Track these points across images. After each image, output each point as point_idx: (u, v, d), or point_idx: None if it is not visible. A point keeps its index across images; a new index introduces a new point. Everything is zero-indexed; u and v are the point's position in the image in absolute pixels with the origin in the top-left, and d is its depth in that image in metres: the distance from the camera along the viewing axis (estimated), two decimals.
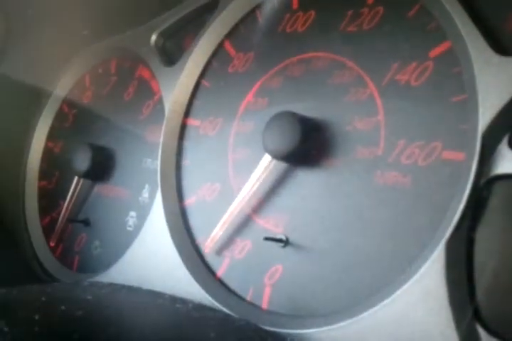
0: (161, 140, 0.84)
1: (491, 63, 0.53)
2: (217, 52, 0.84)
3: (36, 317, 0.51)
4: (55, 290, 0.68)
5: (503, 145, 0.52)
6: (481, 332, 0.51)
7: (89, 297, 0.63)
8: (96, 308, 0.60)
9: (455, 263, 0.53)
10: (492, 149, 0.53)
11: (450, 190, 0.56)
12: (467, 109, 0.56)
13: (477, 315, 0.52)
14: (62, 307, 0.56)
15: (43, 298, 0.60)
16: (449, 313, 0.51)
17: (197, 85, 0.85)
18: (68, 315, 0.55)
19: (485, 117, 0.53)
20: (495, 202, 0.53)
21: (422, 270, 0.54)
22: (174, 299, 0.68)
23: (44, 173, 1.09)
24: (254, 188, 0.71)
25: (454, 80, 0.58)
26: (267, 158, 0.69)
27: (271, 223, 0.71)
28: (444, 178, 0.57)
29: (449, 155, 0.57)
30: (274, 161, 0.69)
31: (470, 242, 0.54)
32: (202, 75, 0.85)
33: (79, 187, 0.97)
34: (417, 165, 0.59)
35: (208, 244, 0.74)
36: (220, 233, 0.73)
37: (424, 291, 0.53)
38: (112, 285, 0.75)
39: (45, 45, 1.02)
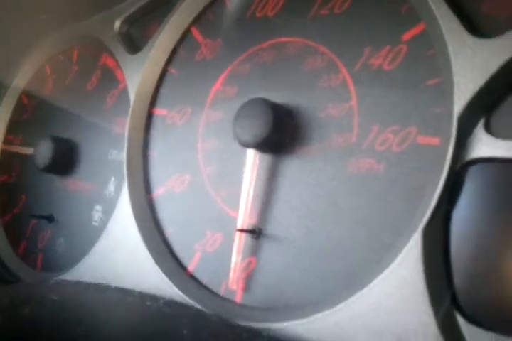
0: (127, 131, 0.81)
1: (466, 45, 0.52)
2: (184, 38, 0.82)
3: None
4: (18, 291, 0.65)
5: (479, 129, 0.51)
6: (460, 319, 0.50)
7: (55, 297, 0.60)
8: (63, 309, 0.57)
9: (432, 250, 0.52)
10: (468, 133, 0.52)
11: (426, 175, 0.54)
12: (442, 93, 0.55)
13: (455, 303, 0.51)
14: (27, 310, 0.53)
15: (6, 301, 0.56)
16: (426, 301, 0.50)
17: (163, 73, 0.82)
18: (33, 317, 0.52)
19: (460, 100, 0.51)
20: (471, 186, 0.52)
21: (399, 258, 0.53)
22: (144, 296, 0.66)
23: (4, 168, 1.04)
24: (250, 194, 0.66)
25: (428, 63, 0.56)
26: (250, 153, 0.67)
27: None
28: (419, 164, 0.55)
29: (423, 140, 0.56)
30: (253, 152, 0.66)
31: (447, 228, 0.53)
32: (168, 63, 0.82)
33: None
34: (392, 151, 0.58)
35: (232, 278, 0.67)
36: (239, 259, 0.67)
37: (401, 279, 0.52)
38: (78, 283, 0.72)
39: (3, 34, 0.98)
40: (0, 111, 1.06)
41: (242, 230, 0.67)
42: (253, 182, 0.67)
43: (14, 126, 1.05)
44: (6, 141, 1.05)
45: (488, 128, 0.51)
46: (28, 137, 1.01)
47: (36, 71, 1.04)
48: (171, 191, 0.77)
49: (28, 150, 0.97)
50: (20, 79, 1.05)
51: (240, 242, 0.67)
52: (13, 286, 0.71)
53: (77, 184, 0.90)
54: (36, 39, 1.03)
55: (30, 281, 0.92)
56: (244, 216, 0.67)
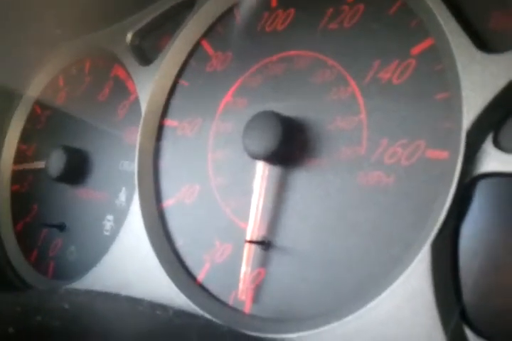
0: (138, 141, 0.82)
1: (475, 60, 0.52)
2: (195, 51, 0.83)
3: (11, 329, 0.49)
4: (30, 299, 0.66)
5: (488, 144, 0.52)
6: (468, 332, 0.51)
7: (66, 306, 0.61)
8: (74, 318, 0.58)
9: (441, 263, 0.52)
10: (476, 147, 0.52)
11: (434, 189, 0.55)
12: (451, 107, 0.55)
13: (464, 316, 0.51)
14: (39, 318, 0.54)
15: (18, 309, 0.57)
16: (435, 314, 0.51)
17: (174, 85, 0.83)
18: (45, 325, 0.53)
19: (469, 115, 0.52)
20: (480, 200, 0.52)
21: (408, 271, 0.53)
22: (154, 306, 0.66)
23: (16, 177, 1.05)
24: (260, 205, 0.67)
25: (437, 78, 0.57)
26: (260, 165, 0.67)
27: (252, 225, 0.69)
28: (428, 177, 0.56)
29: (432, 154, 0.56)
30: (263, 164, 0.67)
31: (455, 242, 0.53)
32: (179, 75, 0.83)
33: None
34: (401, 165, 0.58)
35: (242, 288, 0.67)
36: (249, 270, 0.67)
37: (410, 292, 0.52)
38: (89, 292, 0.73)
39: (17, 45, 0.99)
40: (13, 120, 1.07)
41: (251, 241, 0.67)
42: (262, 194, 0.67)
43: (27, 136, 1.06)
44: (18, 151, 1.06)
45: (496, 143, 0.52)
46: (41, 147, 1.02)
47: (49, 81, 1.05)
48: (181, 202, 0.78)
49: (40, 164, 0.98)
50: (34, 90, 1.06)
51: (249, 253, 0.67)
52: (25, 294, 0.72)
53: (88, 193, 0.91)
54: (49, 50, 1.04)
55: (41, 289, 0.93)
56: (253, 227, 0.67)
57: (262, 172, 0.67)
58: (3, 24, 0.94)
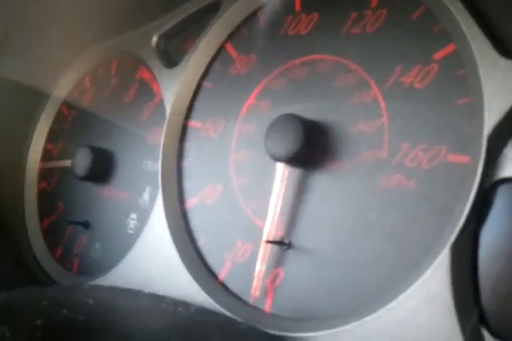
0: (162, 142, 0.83)
1: (497, 66, 0.53)
2: (219, 54, 0.84)
3: (39, 322, 0.51)
4: (56, 293, 0.67)
5: (509, 149, 0.52)
6: (487, 335, 0.51)
7: (91, 301, 0.62)
8: (98, 313, 0.59)
9: (460, 266, 0.53)
10: (497, 152, 0.52)
11: (455, 193, 0.55)
12: (472, 112, 0.56)
13: (482, 319, 0.52)
14: (64, 312, 0.56)
15: (45, 303, 0.59)
16: (454, 317, 0.51)
17: (198, 87, 0.85)
18: (71, 319, 0.54)
19: (490, 120, 0.52)
20: (500, 205, 0.53)
21: (427, 273, 0.53)
22: (176, 303, 0.68)
23: (43, 176, 1.08)
24: (278, 206, 0.69)
25: (459, 83, 0.57)
26: (280, 166, 0.68)
27: (273, 226, 0.70)
28: (449, 181, 0.56)
29: (453, 158, 0.57)
30: (287, 168, 0.68)
31: (475, 246, 0.53)
32: (203, 77, 0.84)
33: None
34: (422, 168, 0.59)
35: (256, 285, 0.69)
36: (263, 268, 0.69)
37: (429, 295, 0.53)
38: (112, 288, 0.74)
39: (45, 47, 1.02)
40: (41, 120, 1.09)
41: (269, 241, 0.68)
42: (281, 195, 0.68)
43: (54, 136, 1.09)
44: (45, 150, 1.09)
45: None
46: (67, 146, 1.05)
47: (76, 82, 1.07)
48: (203, 201, 0.79)
49: (66, 163, 1.00)
50: (61, 90, 1.08)
51: (265, 252, 0.68)
52: (51, 288, 0.74)
53: (113, 192, 0.93)
54: (77, 52, 1.06)
55: (66, 284, 0.95)
56: (270, 227, 0.68)
57: (282, 173, 0.69)
58: (34, 26, 0.97)
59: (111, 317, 0.60)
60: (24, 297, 0.62)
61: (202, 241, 0.78)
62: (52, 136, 1.09)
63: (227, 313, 0.68)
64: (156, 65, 0.89)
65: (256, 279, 0.69)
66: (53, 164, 1.05)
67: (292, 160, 0.68)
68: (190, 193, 0.82)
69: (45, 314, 0.55)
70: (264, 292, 0.69)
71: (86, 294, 0.68)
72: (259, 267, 0.68)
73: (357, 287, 0.61)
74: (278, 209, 0.69)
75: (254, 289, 0.69)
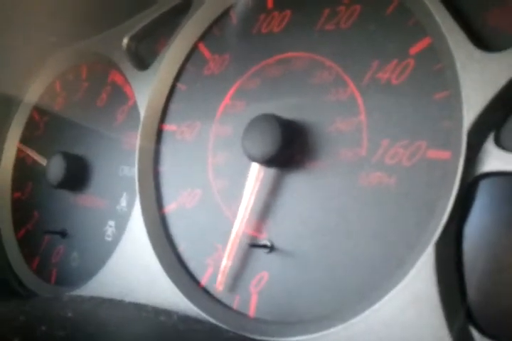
0: (137, 146, 0.82)
1: (474, 59, 0.52)
2: (192, 54, 0.82)
3: (16, 340, 0.49)
4: (33, 308, 0.65)
5: (489, 143, 0.51)
6: (475, 333, 0.50)
7: (70, 314, 0.61)
8: (78, 327, 0.58)
9: (445, 264, 0.52)
10: (478, 147, 0.52)
11: (437, 189, 0.55)
12: (451, 107, 0.55)
13: (470, 316, 0.51)
14: (43, 328, 0.54)
15: (22, 318, 0.57)
16: (441, 315, 0.50)
17: (172, 89, 0.83)
18: (50, 336, 0.52)
19: (469, 114, 0.52)
20: (482, 200, 0.52)
21: (412, 272, 0.53)
22: (158, 312, 0.66)
23: (17, 184, 1.05)
24: (250, 204, 0.68)
25: (436, 77, 0.57)
26: (255, 166, 0.67)
27: (254, 229, 0.69)
28: (430, 178, 0.56)
29: (434, 154, 0.56)
30: (262, 167, 0.67)
31: (459, 242, 0.53)
32: (177, 78, 0.83)
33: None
34: (402, 165, 0.58)
35: (220, 280, 0.69)
36: (229, 264, 0.68)
37: (415, 294, 0.52)
38: (92, 299, 0.73)
39: (12, 51, 0.99)
40: (12, 127, 1.07)
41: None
42: (254, 194, 0.67)
43: (26, 143, 1.06)
44: (18, 158, 1.06)
45: (498, 142, 0.51)
46: (40, 153, 1.02)
47: (47, 88, 1.05)
48: (182, 206, 0.78)
49: (43, 161, 0.97)
50: (31, 96, 1.06)
51: (231, 247, 0.68)
52: (29, 302, 0.71)
53: (89, 199, 0.91)
54: (45, 56, 1.04)
55: (44, 296, 0.93)
56: (240, 227, 0.68)
57: (255, 171, 0.67)
58: (0, 31, 0.94)
59: (92, 330, 0.58)
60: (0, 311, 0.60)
61: (182, 246, 0.76)
62: (24, 143, 1.06)
63: (211, 319, 0.67)
64: (128, 68, 0.87)
65: (221, 274, 0.68)
66: (31, 156, 1.02)
67: (271, 162, 0.66)
68: (168, 198, 0.80)
69: (23, 331, 0.53)
70: (248, 296, 0.67)
71: (65, 306, 0.67)
72: (225, 263, 0.68)
73: (341, 288, 0.60)
74: (249, 209, 0.68)
75: (218, 283, 0.69)
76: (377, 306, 0.54)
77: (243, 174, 0.71)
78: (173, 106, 0.83)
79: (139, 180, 0.80)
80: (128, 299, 0.73)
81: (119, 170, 0.87)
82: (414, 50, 0.59)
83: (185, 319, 0.66)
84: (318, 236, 0.63)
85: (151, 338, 0.58)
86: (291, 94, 0.69)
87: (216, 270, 0.71)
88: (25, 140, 1.07)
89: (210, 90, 0.78)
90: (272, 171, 0.68)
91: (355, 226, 0.60)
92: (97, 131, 0.92)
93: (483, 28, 0.54)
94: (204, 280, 0.73)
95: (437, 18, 0.56)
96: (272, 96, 0.71)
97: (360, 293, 0.58)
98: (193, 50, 0.82)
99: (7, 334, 0.50)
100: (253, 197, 0.68)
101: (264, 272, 0.67)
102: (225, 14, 0.80)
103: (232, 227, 0.70)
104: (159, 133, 0.83)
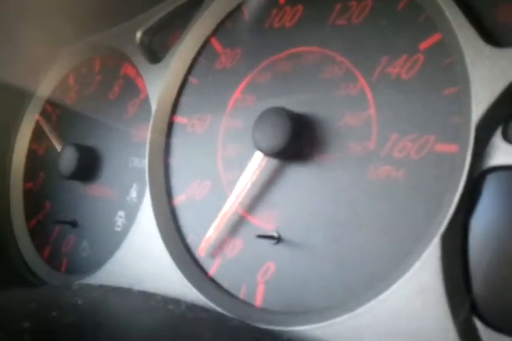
0: (148, 138, 0.83)
1: (483, 55, 0.53)
2: (204, 48, 0.83)
3: (26, 325, 0.50)
4: (44, 295, 0.66)
5: (497, 137, 0.52)
6: (479, 324, 0.51)
7: (80, 301, 0.62)
8: (87, 314, 0.59)
9: (450, 256, 0.53)
10: (486, 141, 0.52)
11: (444, 182, 0.55)
12: (459, 101, 0.55)
13: (474, 308, 0.52)
14: (53, 314, 0.55)
15: (33, 304, 0.58)
16: (445, 307, 0.51)
17: (184, 82, 0.84)
18: (59, 321, 0.53)
19: (478, 109, 0.52)
20: (489, 194, 0.53)
21: (418, 264, 0.53)
22: (167, 300, 0.67)
23: (29, 175, 1.07)
24: (247, 186, 0.70)
25: (446, 72, 0.57)
26: (258, 154, 0.68)
27: (262, 220, 0.70)
28: (437, 171, 0.56)
29: (442, 147, 0.56)
30: (266, 158, 0.68)
31: (465, 235, 0.53)
32: (189, 72, 0.84)
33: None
34: (410, 159, 0.58)
35: (202, 246, 0.73)
36: (214, 235, 0.72)
37: (420, 285, 0.53)
38: (102, 287, 0.74)
39: (26, 44, 1.00)
40: (24, 119, 1.08)
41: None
42: (253, 181, 0.69)
43: (38, 135, 1.07)
44: (30, 150, 1.07)
45: (506, 137, 0.52)
46: (52, 145, 1.03)
47: (60, 80, 1.06)
48: (191, 198, 0.79)
49: (58, 146, 0.98)
50: (44, 89, 1.07)
51: (221, 220, 0.71)
52: (39, 290, 0.73)
53: (100, 190, 0.92)
54: (59, 49, 1.05)
55: (55, 284, 0.94)
56: (233, 204, 0.70)
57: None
58: (14, 24, 0.95)
59: (101, 318, 0.59)
60: (11, 299, 0.61)
61: (191, 237, 0.77)
62: (36, 136, 1.08)
63: (218, 309, 0.68)
64: (141, 61, 0.88)
65: (204, 242, 0.72)
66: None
67: (281, 154, 0.67)
68: (178, 190, 0.81)
69: (33, 316, 0.54)
70: (255, 286, 0.68)
71: (75, 294, 0.68)
72: (211, 232, 0.71)
73: (348, 279, 0.60)
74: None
75: (201, 249, 0.72)
76: (383, 297, 0.55)
77: None
78: (184, 100, 0.84)
79: (149, 172, 0.81)
80: (137, 288, 0.74)
81: (129, 162, 0.88)
82: (424, 45, 0.60)
83: (193, 308, 0.67)
84: (326, 227, 0.63)
85: (159, 325, 0.59)
86: (302, 89, 0.70)
87: (224, 260, 0.72)
88: (38, 132, 1.08)
89: (221, 84, 0.79)
90: (280, 163, 0.69)
91: (363, 218, 0.61)
92: (108, 123, 0.93)
93: (493, 23, 0.54)
94: (212, 271, 0.74)
95: (448, 14, 0.56)
96: (282, 90, 0.72)
97: (367, 284, 0.59)
98: (205, 44, 0.83)
99: (19, 320, 0.51)
100: (249, 180, 0.70)
101: (271, 262, 0.68)
102: (238, 9, 0.81)
103: (240, 218, 0.71)
104: (170, 126, 0.84)
